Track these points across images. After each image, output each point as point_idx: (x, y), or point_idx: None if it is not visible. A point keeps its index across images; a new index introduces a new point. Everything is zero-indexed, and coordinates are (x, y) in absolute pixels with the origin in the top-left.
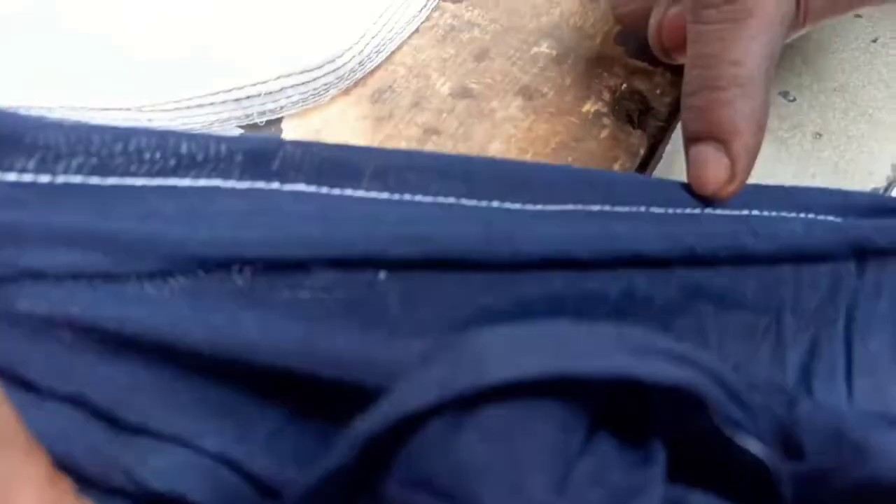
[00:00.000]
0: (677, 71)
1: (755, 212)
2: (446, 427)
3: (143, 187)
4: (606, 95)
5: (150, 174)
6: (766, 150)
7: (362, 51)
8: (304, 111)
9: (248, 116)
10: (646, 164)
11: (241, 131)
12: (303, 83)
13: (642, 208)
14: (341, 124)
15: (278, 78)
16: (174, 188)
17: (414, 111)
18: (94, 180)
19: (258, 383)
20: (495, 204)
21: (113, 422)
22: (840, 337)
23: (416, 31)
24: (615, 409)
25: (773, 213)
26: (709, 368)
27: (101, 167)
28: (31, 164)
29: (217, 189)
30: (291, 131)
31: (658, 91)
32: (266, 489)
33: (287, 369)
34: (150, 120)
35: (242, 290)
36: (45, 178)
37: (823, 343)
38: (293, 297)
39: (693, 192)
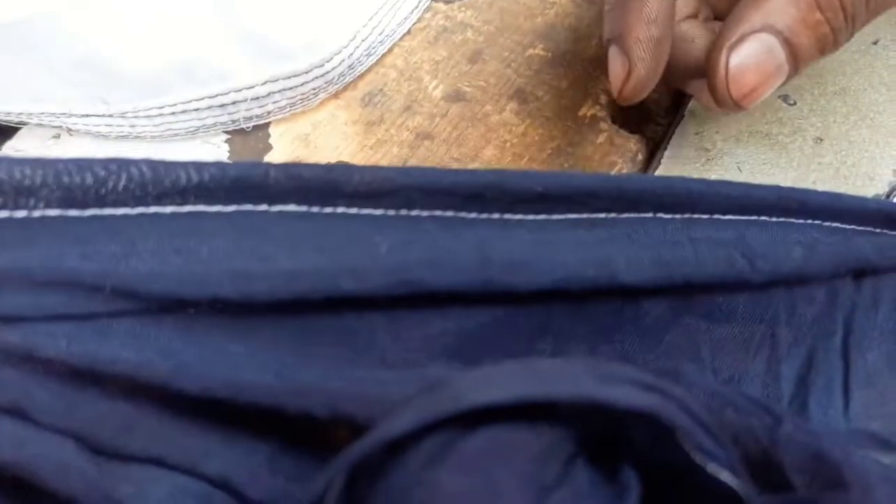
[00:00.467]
0: None
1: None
2: (424, 457)
3: (124, 216)
4: (603, 99)
5: (129, 203)
6: (765, 155)
7: (352, 54)
8: (293, 115)
9: (234, 122)
10: (645, 169)
11: (228, 136)
12: (291, 88)
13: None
14: (331, 129)
15: (265, 83)
16: (157, 215)
17: (406, 115)
18: (73, 213)
19: (253, 411)
20: (496, 216)
21: (102, 452)
22: (838, 349)
23: (408, 32)
24: (591, 441)
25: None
26: (677, 398)
27: (74, 199)
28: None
29: (203, 214)
30: (279, 136)
31: (656, 94)
32: None
33: (276, 406)
34: (133, 126)
35: (230, 325)
36: (20, 214)
37: (821, 355)
38: (277, 328)
39: (692, 194)
